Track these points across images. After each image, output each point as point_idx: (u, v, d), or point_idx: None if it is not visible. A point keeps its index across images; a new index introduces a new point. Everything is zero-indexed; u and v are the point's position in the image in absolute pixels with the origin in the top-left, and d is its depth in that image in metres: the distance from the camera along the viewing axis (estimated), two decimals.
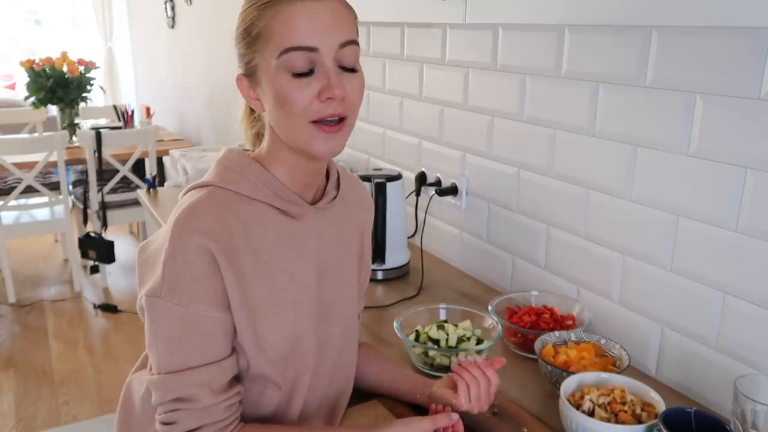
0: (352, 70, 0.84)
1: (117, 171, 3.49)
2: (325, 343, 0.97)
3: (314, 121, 0.83)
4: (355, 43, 0.84)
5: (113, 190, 3.60)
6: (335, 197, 0.98)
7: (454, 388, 1.01)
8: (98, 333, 3.19)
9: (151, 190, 2.32)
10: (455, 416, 0.94)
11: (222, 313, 0.85)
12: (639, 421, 0.94)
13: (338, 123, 0.84)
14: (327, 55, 0.81)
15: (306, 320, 0.93)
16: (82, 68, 3.84)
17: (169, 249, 0.82)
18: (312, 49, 0.80)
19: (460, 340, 1.21)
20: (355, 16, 0.87)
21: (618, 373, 1.07)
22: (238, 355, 0.90)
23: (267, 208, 0.89)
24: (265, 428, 0.92)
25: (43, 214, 3.53)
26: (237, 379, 0.91)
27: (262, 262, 0.87)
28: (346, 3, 0.85)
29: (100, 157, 3.37)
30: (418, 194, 1.78)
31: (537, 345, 1.17)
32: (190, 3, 4.05)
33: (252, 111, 0.99)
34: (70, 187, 3.89)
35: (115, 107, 4.10)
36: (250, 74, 0.87)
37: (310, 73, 0.81)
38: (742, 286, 1.05)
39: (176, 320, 0.83)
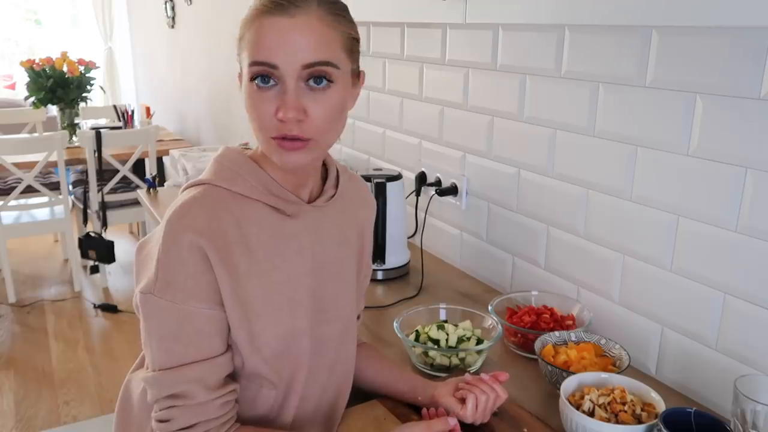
0: (323, 87, 0.81)
1: (117, 171, 3.49)
2: (321, 342, 0.97)
3: (275, 137, 0.82)
4: (326, 64, 0.80)
5: (113, 190, 3.60)
6: (333, 195, 0.98)
7: (459, 397, 1.01)
8: (98, 333, 3.19)
9: (151, 190, 2.32)
10: (452, 421, 0.94)
11: (215, 311, 0.86)
12: (639, 421, 0.94)
13: (300, 141, 0.81)
14: (288, 74, 0.79)
15: (302, 319, 0.93)
16: (82, 68, 3.84)
17: (163, 246, 0.83)
18: (272, 66, 0.79)
19: (460, 340, 1.21)
20: (345, 36, 0.83)
21: (618, 373, 1.07)
22: (233, 353, 0.90)
23: (262, 207, 0.89)
24: (262, 431, 0.92)
25: (43, 214, 3.53)
26: (233, 377, 0.91)
27: (257, 260, 0.88)
28: (331, 22, 0.81)
29: (100, 157, 3.37)
30: (418, 194, 1.78)
31: (537, 345, 1.17)
32: (190, 3, 4.05)
33: None
34: (70, 187, 3.89)
35: (115, 107, 4.10)
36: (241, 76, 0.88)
37: (272, 86, 0.80)
38: (742, 286, 1.05)
39: (169, 317, 0.84)
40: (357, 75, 0.89)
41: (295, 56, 0.79)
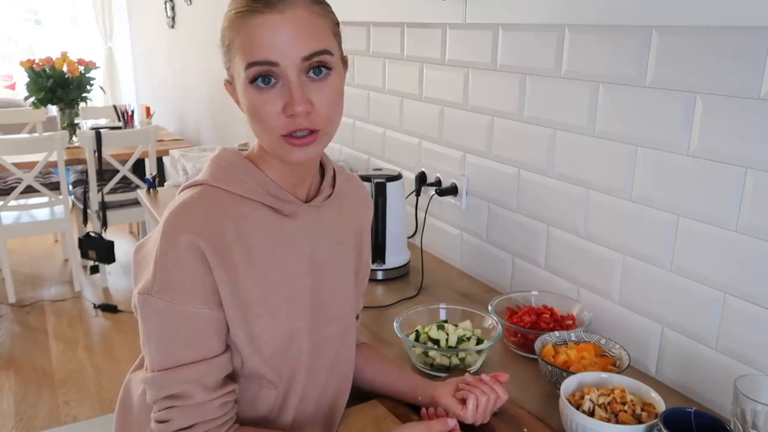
0: (324, 76, 0.82)
1: (117, 171, 3.49)
2: (321, 342, 0.97)
3: (284, 135, 0.82)
4: (323, 53, 0.81)
5: (113, 190, 3.60)
6: (330, 195, 0.98)
7: (459, 397, 1.01)
8: (98, 333, 3.19)
9: (151, 190, 2.32)
10: (452, 422, 0.94)
11: (214, 311, 0.86)
12: (639, 421, 0.94)
13: (310, 135, 0.82)
14: (289, 68, 0.79)
15: (300, 319, 0.93)
16: (82, 68, 3.84)
17: (161, 247, 0.83)
18: (272, 64, 0.79)
19: (460, 340, 1.21)
20: (331, 22, 0.85)
21: (618, 373, 1.07)
22: (232, 354, 0.90)
23: (260, 207, 0.89)
24: (261, 431, 0.92)
25: (43, 214, 3.53)
26: (232, 378, 0.91)
27: (255, 260, 0.88)
28: (318, 11, 0.82)
29: (100, 157, 3.37)
30: (418, 194, 1.78)
31: (537, 345, 1.17)
32: (190, 3, 4.05)
33: None
34: (70, 187, 3.89)
35: (115, 107, 4.10)
36: (231, 80, 0.87)
37: (273, 85, 0.80)
38: (742, 286, 1.05)
39: (168, 318, 0.84)
40: (344, 60, 0.89)
41: (293, 50, 0.79)
